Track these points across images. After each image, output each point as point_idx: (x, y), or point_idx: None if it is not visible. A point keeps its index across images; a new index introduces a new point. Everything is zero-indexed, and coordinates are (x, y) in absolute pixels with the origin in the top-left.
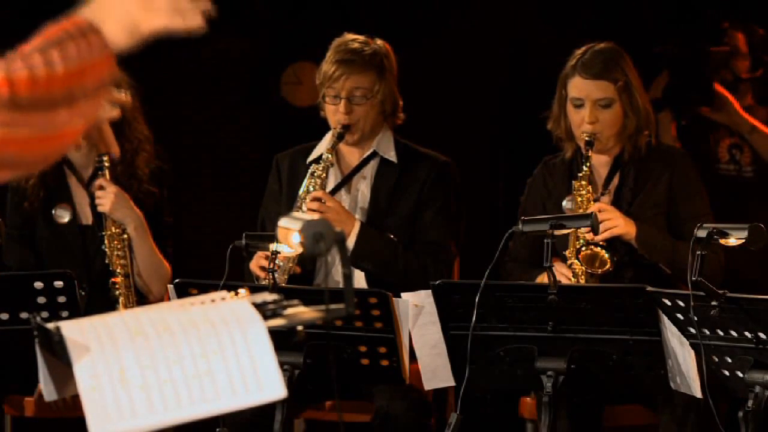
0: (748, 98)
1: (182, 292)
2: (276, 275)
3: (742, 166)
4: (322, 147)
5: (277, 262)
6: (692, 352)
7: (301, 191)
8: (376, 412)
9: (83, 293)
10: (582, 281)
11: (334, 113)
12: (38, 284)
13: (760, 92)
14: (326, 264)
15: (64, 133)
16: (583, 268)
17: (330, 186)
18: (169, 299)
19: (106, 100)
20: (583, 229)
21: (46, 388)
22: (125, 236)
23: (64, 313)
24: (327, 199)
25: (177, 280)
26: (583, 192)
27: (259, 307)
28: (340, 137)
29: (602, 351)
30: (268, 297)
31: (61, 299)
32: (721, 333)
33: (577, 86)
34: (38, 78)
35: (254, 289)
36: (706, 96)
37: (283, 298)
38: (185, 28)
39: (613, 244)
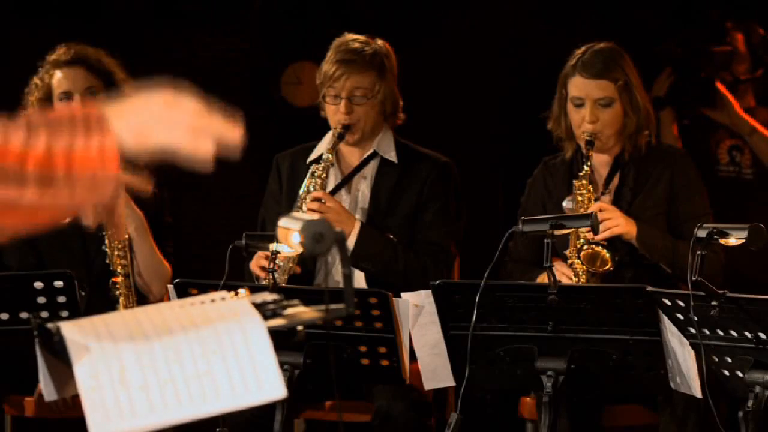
0: (749, 99)
1: (182, 292)
2: (276, 275)
3: (742, 168)
4: (323, 147)
5: (277, 262)
6: (692, 352)
7: (301, 191)
8: (376, 412)
9: (83, 293)
10: (583, 280)
11: (335, 113)
12: (38, 284)
13: (761, 93)
14: (326, 264)
15: (28, 211)
16: (584, 267)
17: (330, 186)
18: (169, 299)
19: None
20: (583, 229)
21: (46, 388)
22: (126, 236)
23: (64, 313)
24: (327, 199)
25: (177, 280)
26: (584, 192)
27: (259, 307)
28: (340, 137)
29: (602, 351)
30: (268, 297)
31: (61, 299)
32: (721, 333)
33: (578, 86)
34: (11, 152)
35: (254, 289)
36: (708, 96)
37: (283, 298)
38: (194, 155)
39: (614, 243)
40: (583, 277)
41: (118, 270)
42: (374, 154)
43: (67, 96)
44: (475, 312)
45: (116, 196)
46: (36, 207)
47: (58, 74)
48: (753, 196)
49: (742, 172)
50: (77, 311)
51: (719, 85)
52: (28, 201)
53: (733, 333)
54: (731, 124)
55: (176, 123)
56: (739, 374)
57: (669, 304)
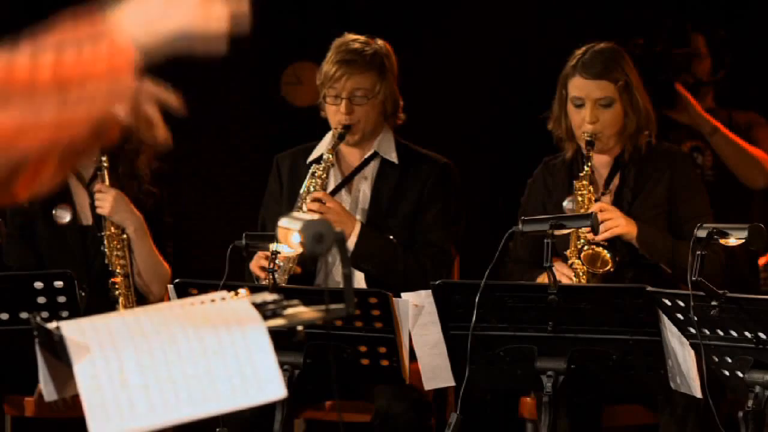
0: (709, 101)
1: (182, 292)
2: (276, 275)
3: (704, 170)
4: (323, 147)
5: (277, 262)
6: (692, 352)
7: (301, 191)
8: (376, 412)
9: (83, 293)
10: (583, 281)
11: (335, 113)
12: (38, 284)
13: (721, 95)
14: (326, 264)
15: (49, 130)
16: (585, 267)
17: (331, 186)
18: (169, 299)
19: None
20: (584, 229)
21: (46, 388)
22: (124, 236)
23: (64, 313)
24: (327, 200)
25: (177, 280)
26: (584, 192)
27: (259, 307)
28: (340, 137)
29: (602, 351)
30: (268, 297)
31: (61, 299)
32: (721, 333)
33: (578, 86)
34: (18, 72)
35: (254, 289)
36: (667, 97)
37: (283, 298)
38: (207, 33)
39: (614, 244)
40: (584, 277)
41: (117, 270)
42: (375, 155)
43: None
44: (475, 312)
45: (139, 102)
46: (56, 124)
47: None
48: (715, 197)
49: (704, 173)
50: (77, 311)
51: (678, 86)
52: (47, 119)
53: (733, 333)
54: (693, 123)
55: (183, 4)
56: (739, 374)
57: (669, 304)
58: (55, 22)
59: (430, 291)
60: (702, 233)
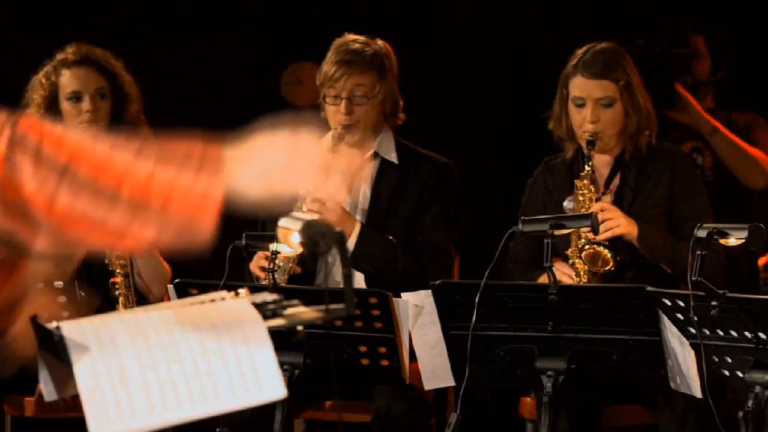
0: (708, 101)
1: (182, 292)
2: (276, 275)
3: (704, 170)
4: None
5: (277, 262)
6: (692, 352)
7: (301, 191)
8: (376, 412)
9: (83, 293)
10: (584, 280)
11: (335, 113)
12: (38, 284)
13: (721, 95)
14: (326, 264)
15: (113, 233)
16: (586, 267)
17: None
18: (169, 299)
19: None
20: (585, 228)
21: (46, 388)
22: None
23: (64, 313)
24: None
25: (177, 280)
26: (585, 191)
27: (259, 307)
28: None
29: (602, 351)
30: (268, 297)
31: (61, 299)
32: (721, 333)
33: (579, 86)
34: (108, 169)
35: (254, 289)
36: (667, 97)
37: (283, 298)
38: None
39: (615, 243)
40: (585, 276)
41: (117, 270)
42: (375, 155)
43: (77, 96)
44: (475, 312)
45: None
46: (122, 231)
47: (66, 74)
48: (715, 197)
49: (704, 174)
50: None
51: (678, 87)
52: (116, 223)
53: (733, 333)
54: (692, 123)
55: (304, 168)
56: (739, 374)
57: (669, 304)
58: (177, 132)
59: (430, 291)
60: (702, 233)
